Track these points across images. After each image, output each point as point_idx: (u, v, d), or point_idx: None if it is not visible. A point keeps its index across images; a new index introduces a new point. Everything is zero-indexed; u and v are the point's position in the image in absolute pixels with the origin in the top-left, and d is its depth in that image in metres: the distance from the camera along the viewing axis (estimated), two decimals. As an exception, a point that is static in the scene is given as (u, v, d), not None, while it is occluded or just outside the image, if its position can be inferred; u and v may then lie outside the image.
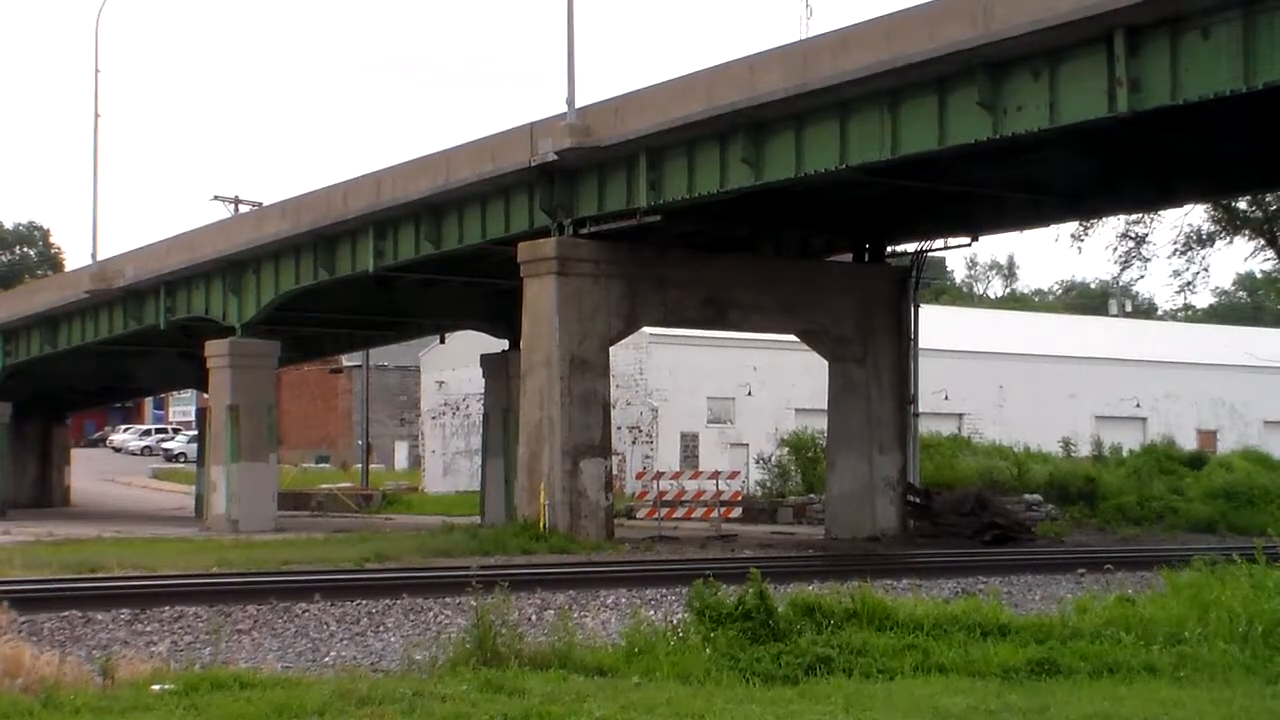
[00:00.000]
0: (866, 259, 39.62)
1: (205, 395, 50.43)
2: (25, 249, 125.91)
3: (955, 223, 37.97)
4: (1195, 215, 47.35)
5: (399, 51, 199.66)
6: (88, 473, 74.15)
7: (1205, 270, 52.59)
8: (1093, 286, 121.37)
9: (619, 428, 48.08)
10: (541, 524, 32.50)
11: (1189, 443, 60.82)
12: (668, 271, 35.65)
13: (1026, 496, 44.08)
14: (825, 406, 40.22)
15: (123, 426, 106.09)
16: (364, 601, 20.31)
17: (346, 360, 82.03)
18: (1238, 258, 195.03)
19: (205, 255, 44.54)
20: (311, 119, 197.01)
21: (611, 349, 35.43)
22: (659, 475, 42.56)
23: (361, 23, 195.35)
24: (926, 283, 42.26)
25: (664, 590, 22.44)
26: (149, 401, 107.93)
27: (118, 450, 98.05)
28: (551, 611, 19.47)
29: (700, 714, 12.03)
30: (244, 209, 55.61)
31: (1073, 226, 44.99)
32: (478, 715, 11.77)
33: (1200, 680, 13.89)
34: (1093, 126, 25.36)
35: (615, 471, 38.53)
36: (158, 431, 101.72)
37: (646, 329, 42.04)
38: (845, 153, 28.28)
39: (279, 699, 12.20)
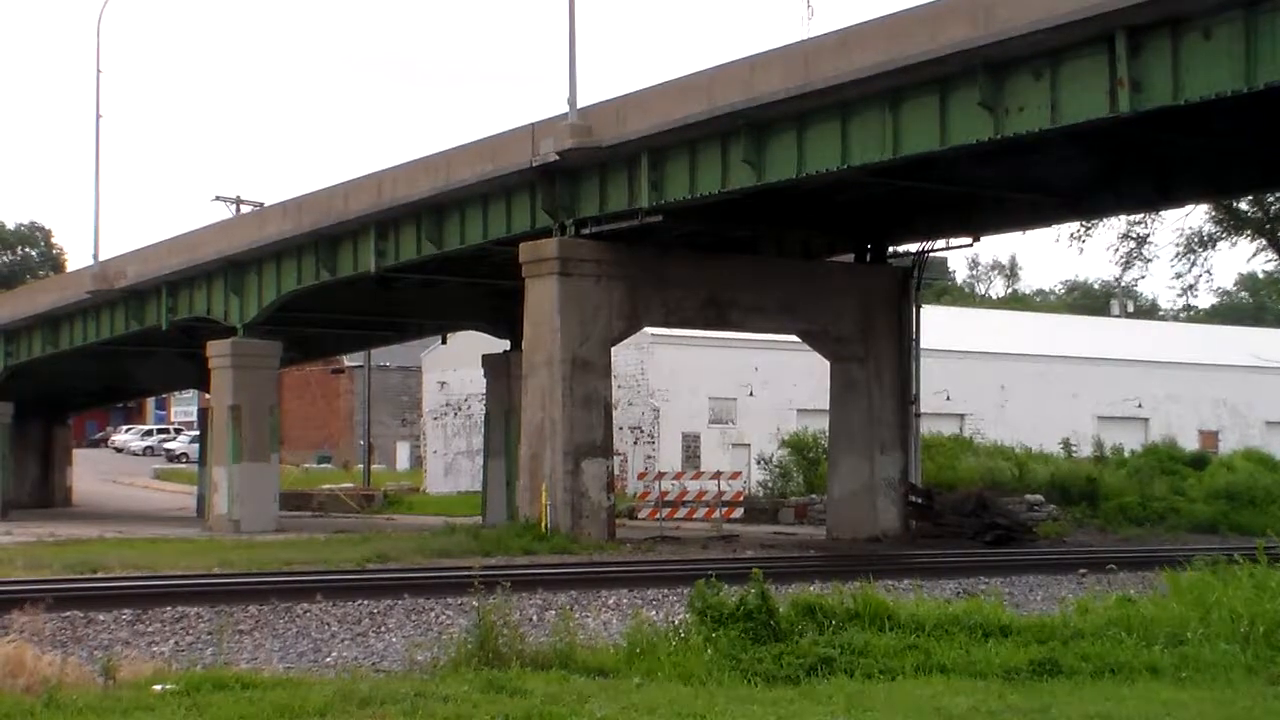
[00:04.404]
0: (868, 259, 39.59)
1: (207, 395, 50.44)
2: (27, 249, 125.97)
3: (957, 223, 37.96)
4: (1196, 216, 47.40)
5: (400, 52, 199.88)
6: (89, 473, 74.15)
7: (1208, 273, 52.68)
8: (1095, 287, 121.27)
9: (620, 428, 48.05)
10: (543, 524, 32.52)
11: (1191, 443, 60.73)
12: (669, 272, 35.65)
13: (1028, 497, 43.99)
14: (827, 407, 40.24)
15: (124, 427, 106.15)
16: (365, 602, 20.29)
17: (348, 360, 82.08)
18: (1240, 258, 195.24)
19: (207, 255, 44.56)
20: (312, 119, 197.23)
21: (613, 349, 35.44)
22: (660, 475, 42.56)
23: (362, 23, 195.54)
24: (928, 283, 42.21)
25: (665, 591, 22.42)
26: (151, 402, 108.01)
27: (119, 450, 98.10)
28: (553, 612, 19.46)
29: (702, 714, 12.02)
30: (245, 209, 55.62)
31: (1074, 226, 44.99)
32: (479, 716, 11.77)
33: (1202, 681, 13.87)
34: (1094, 127, 25.36)
35: (617, 472, 38.52)
36: (159, 432, 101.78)
37: (648, 329, 42.04)
38: (847, 153, 28.28)
39: (281, 699, 12.20)
